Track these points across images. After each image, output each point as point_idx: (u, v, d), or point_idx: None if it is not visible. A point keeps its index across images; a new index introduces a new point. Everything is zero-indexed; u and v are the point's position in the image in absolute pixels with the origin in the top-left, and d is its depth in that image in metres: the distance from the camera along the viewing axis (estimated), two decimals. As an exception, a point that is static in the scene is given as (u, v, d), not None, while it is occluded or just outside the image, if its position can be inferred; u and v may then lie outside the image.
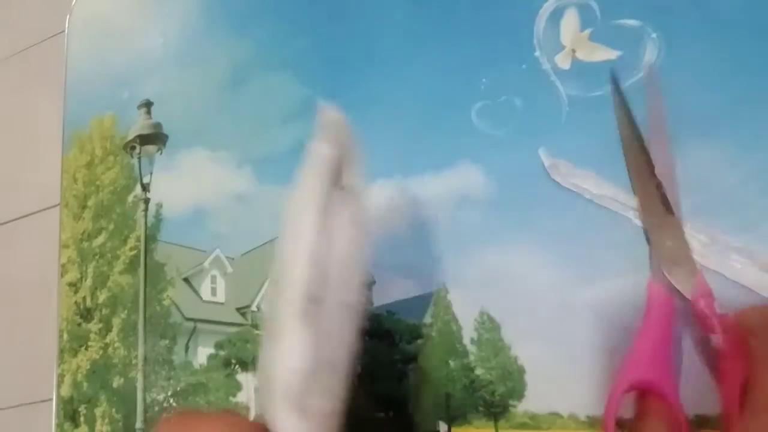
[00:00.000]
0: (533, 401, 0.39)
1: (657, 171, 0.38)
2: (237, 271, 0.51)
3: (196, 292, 0.53)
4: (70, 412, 0.55)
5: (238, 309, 0.50)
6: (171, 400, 0.50)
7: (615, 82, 0.41)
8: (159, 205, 0.56)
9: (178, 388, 0.50)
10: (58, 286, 0.59)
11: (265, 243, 0.49)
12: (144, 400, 0.51)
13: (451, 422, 0.41)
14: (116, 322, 0.55)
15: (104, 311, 0.56)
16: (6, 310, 1.28)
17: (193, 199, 0.49)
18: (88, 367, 0.55)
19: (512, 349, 0.40)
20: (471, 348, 0.41)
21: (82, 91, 0.64)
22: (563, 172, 0.41)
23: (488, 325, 0.41)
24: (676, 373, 0.35)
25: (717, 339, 0.33)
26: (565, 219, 0.40)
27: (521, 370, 0.40)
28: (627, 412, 0.34)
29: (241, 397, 0.48)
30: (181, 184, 0.55)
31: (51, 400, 0.56)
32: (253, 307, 0.49)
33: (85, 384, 0.55)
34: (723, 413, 0.32)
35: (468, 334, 0.41)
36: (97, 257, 0.58)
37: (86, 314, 0.57)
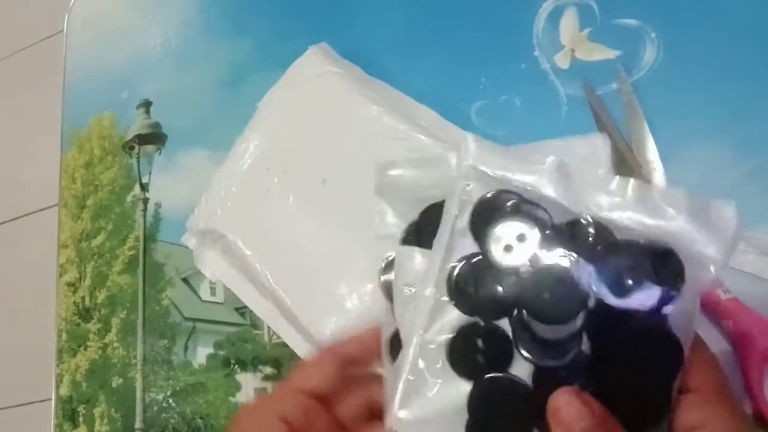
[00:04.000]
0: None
1: (644, 170, 0.38)
2: (236, 271, 0.51)
3: (195, 291, 0.53)
4: (69, 412, 0.54)
5: (237, 309, 0.50)
6: (170, 400, 0.50)
7: (589, 90, 0.41)
8: (158, 205, 0.56)
9: (177, 388, 0.50)
10: (56, 286, 0.59)
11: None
12: (143, 399, 0.51)
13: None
14: (115, 322, 0.55)
15: (103, 311, 0.56)
16: (5, 310, 1.28)
17: (192, 198, 0.48)
18: (87, 366, 0.55)
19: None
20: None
21: (81, 90, 0.63)
22: None
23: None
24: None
25: (728, 324, 0.33)
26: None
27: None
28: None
29: (240, 397, 0.48)
30: (180, 183, 0.55)
31: (50, 399, 0.56)
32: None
33: (84, 384, 0.55)
34: (747, 393, 0.32)
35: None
36: (95, 257, 0.57)
37: (85, 314, 0.57)
